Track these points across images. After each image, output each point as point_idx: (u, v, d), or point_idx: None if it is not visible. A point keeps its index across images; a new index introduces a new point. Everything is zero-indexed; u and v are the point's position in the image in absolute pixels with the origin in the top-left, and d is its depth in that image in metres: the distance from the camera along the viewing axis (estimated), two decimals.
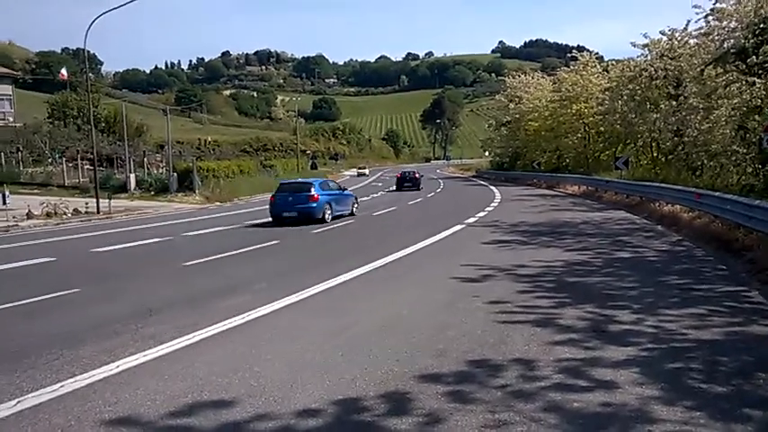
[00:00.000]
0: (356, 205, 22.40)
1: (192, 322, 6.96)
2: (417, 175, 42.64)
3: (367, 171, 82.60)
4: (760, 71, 18.70)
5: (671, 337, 6.07)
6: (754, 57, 18.05)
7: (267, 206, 20.31)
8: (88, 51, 31.40)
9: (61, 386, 5.02)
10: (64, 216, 24.45)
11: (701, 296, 7.87)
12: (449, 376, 5.05)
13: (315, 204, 19.22)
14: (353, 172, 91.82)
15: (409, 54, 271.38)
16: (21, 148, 42.88)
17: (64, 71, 44.42)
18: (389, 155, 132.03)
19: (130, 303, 8.12)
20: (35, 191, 34.05)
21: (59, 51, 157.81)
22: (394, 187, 42.38)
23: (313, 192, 19.44)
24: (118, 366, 5.49)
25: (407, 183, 41.28)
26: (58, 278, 10.70)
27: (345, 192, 22.29)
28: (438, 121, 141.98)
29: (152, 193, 35.95)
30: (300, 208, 19.12)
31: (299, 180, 23.63)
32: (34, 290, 9.12)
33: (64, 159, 40.81)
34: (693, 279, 9.07)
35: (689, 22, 26.67)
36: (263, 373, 5.25)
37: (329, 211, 19.66)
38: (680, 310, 7.04)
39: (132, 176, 37.53)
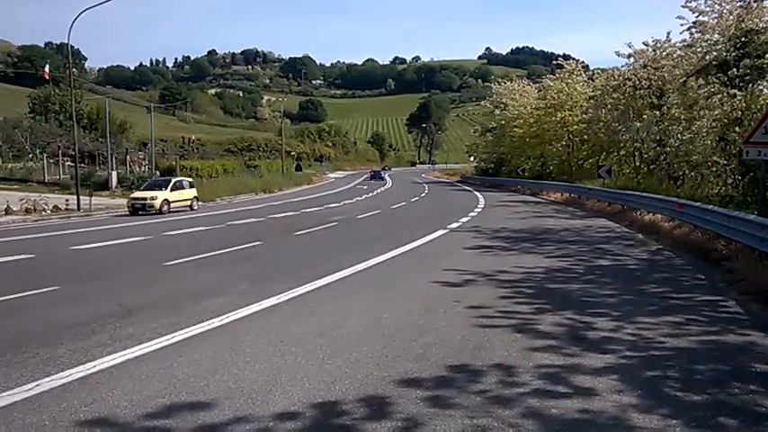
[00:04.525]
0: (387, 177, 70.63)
1: (171, 323, 6.90)
2: (384, 174, 76.06)
3: None
4: (740, 83, 18.99)
5: (649, 344, 6.13)
6: (735, 69, 18.35)
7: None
8: (72, 46, 30.99)
9: (37, 385, 4.94)
10: (43, 213, 24.16)
11: (680, 305, 7.97)
12: (428, 381, 5.06)
13: (386, 178, 70.58)
14: (340, 174, 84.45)
15: (396, 58, 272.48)
16: (1, 143, 42.25)
17: (47, 69, 43.74)
18: (375, 158, 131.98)
19: (109, 302, 8.03)
20: (14, 186, 33.57)
21: (42, 46, 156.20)
22: (370, 178, 69.30)
23: (384, 174, 76.89)
24: (95, 366, 5.42)
25: (376, 177, 69.01)
26: (36, 275, 10.56)
27: (386, 174, 79.73)
28: (424, 125, 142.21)
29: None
30: (380, 177, 69.48)
31: (379, 169, 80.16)
32: (12, 287, 8.97)
33: (45, 155, 40.28)
34: (672, 288, 9.18)
35: (669, 33, 27.00)
36: (242, 374, 5.22)
37: (389, 177, 72.49)
38: (658, 318, 7.12)
39: (114, 174, 37.18)
